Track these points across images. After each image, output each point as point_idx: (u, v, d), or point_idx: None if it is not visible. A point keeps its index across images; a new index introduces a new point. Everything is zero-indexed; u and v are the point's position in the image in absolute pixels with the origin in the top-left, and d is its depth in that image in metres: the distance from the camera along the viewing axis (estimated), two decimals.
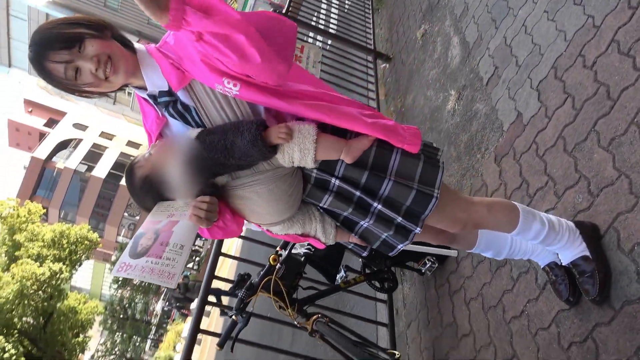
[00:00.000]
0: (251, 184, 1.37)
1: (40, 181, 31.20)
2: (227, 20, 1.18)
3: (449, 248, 2.71)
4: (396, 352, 2.27)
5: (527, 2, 2.80)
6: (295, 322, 2.25)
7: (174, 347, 19.23)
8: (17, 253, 15.96)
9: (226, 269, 13.24)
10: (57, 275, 15.41)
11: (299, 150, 1.32)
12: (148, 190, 1.37)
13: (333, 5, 7.15)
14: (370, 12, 6.39)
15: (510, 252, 1.82)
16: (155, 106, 1.44)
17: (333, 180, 1.42)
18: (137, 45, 1.46)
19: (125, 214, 31.62)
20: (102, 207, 31.33)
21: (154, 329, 30.18)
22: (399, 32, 5.41)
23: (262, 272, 2.23)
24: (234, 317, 2.15)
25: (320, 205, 1.48)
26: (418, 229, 1.45)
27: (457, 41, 3.63)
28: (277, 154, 1.33)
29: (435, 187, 1.43)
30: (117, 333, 27.23)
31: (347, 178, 1.42)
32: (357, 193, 1.42)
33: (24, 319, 15.51)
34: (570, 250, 1.67)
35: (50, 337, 16.70)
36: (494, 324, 2.21)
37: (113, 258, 29.99)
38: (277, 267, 2.19)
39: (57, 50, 1.26)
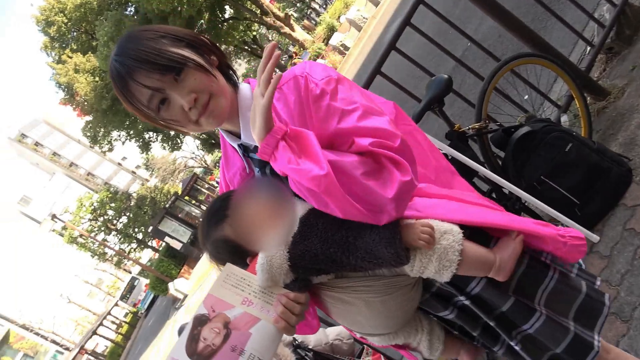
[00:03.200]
0: (360, 289, 1.11)
1: None
2: (307, 173, 0.95)
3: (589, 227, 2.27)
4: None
5: None
6: None
7: (339, 17, 19.80)
8: None
9: None
10: None
11: (438, 261, 1.03)
12: (228, 251, 1.17)
13: None
14: None
15: None
16: (244, 158, 1.21)
17: (461, 297, 1.15)
18: (242, 84, 1.15)
19: None
20: None
21: None
22: None
23: None
24: None
25: (435, 314, 1.25)
26: None
27: None
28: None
29: (595, 331, 1.13)
30: None
31: (481, 300, 1.13)
32: (490, 322, 1.14)
33: None
34: None
35: None
36: None
37: None
38: None
39: (148, 71, 1.01)
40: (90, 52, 21.46)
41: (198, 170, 38.61)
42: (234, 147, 1.22)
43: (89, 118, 23.97)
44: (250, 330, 1.04)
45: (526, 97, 3.21)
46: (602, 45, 2.90)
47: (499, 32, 4.89)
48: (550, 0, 3.20)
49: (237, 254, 1.16)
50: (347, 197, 0.95)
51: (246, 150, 1.19)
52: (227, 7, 20.68)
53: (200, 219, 1.22)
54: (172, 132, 33.36)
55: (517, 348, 1.13)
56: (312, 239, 1.05)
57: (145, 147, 31.79)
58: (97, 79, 21.02)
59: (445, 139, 2.30)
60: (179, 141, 33.89)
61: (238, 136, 1.17)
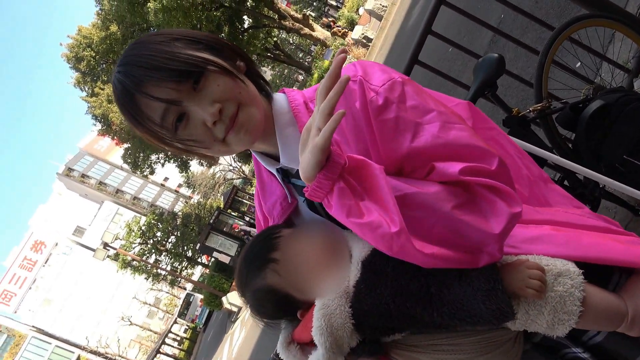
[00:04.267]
0: (446, 348, 0.87)
1: None
2: (374, 230, 0.72)
3: None
4: None
5: None
6: None
7: (357, 10, 19.45)
8: None
9: None
10: None
11: (552, 314, 0.77)
12: (273, 302, 0.96)
13: None
14: None
15: None
16: (284, 184, 0.96)
17: (575, 349, 0.90)
18: (277, 94, 0.92)
19: None
20: None
21: None
22: None
23: None
24: None
25: None
26: None
27: None
28: None
29: None
30: None
31: (604, 351, 0.88)
32: None
33: None
34: None
35: None
36: None
37: None
38: None
39: (158, 79, 0.79)
40: None
41: (237, 182, 39.09)
42: (270, 172, 0.98)
43: (127, 145, 24.63)
44: None
45: (578, 64, 2.86)
46: None
47: None
48: None
49: (285, 306, 0.94)
50: (429, 255, 0.71)
51: (286, 174, 0.95)
52: (245, 17, 20.71)
53: (238, 264, 0.98)
54: None
55: None
56: (381, 290, 0.81)
57: (184, 166, 32.38)
58: None
59: (503, 126, 2.01)
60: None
61: (274, 158, 0.94)
